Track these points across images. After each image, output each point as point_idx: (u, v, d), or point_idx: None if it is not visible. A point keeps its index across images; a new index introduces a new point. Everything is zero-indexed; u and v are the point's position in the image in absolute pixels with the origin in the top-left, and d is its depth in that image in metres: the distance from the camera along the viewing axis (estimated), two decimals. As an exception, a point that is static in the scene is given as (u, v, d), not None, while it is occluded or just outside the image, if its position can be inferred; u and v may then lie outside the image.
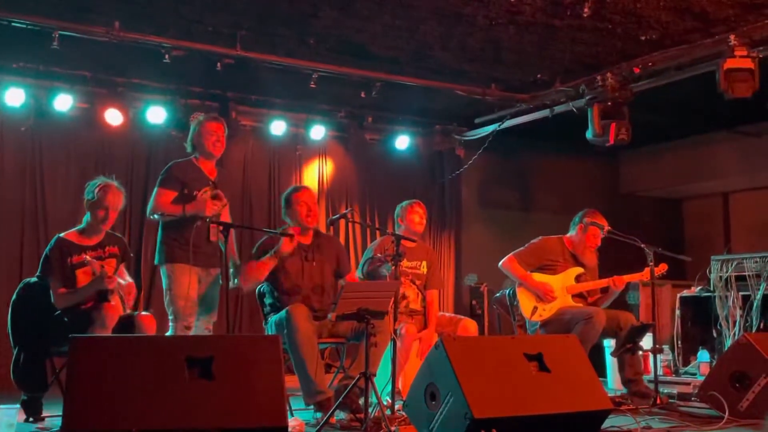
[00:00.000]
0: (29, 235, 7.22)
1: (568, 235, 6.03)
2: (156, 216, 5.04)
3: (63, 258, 4.65)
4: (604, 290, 5.90)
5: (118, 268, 4.88)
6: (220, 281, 5.19)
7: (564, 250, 5.95)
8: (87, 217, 4.84)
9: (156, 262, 5.15)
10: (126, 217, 7.32)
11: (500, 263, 5.91)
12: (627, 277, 5.78)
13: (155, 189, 5.11)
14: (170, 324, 4.97)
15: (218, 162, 5.36)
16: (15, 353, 4.70)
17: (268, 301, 5.21)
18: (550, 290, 5.77)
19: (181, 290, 4.96)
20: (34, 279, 4.84)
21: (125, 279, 4.92)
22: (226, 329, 4.95)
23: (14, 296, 4.82)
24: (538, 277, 5.84)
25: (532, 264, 5.88)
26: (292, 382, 4.53)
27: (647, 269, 5.65)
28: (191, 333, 4.96)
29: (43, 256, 4.78)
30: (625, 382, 5.64)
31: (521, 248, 5.97)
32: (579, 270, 5.88)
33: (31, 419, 4.55)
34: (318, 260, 5.20)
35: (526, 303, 5.81)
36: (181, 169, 5.14)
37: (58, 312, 4.62)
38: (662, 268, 5.71)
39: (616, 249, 6.10)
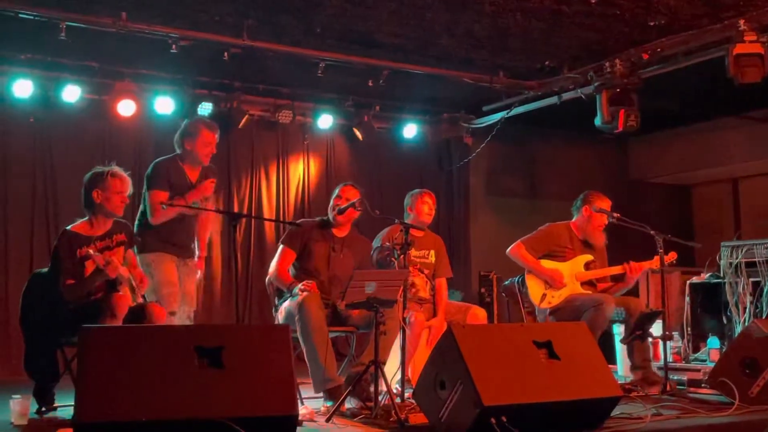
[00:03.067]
0: (39, 226, 7.27)
1: (573, 220, 6.01)
2: (158, 222, 5.07)
3: (71, 251, 4.64)
4: (616, 279, 5.87)
5: (127, 255, 4.88)
6: (198, 273, 5.33)
7: (572, 237, 5.93)
8: (93, 208, 4.80)
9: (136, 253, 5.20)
10: (134, 206, 7.33)
11: (508, 250, 5.90)
12: (642, 264, 5.73)
13: (148, 192, 5.13)
14: None
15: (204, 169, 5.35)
16: (26, 343, 4.73)
17: (291, 273, 5.28)
18: (560, 276, 5.76)
19: (164, 276, 5.03)
20: (44, 270, 4.85)
21: (136, 267, 4.93)
22: (235, 319, 4.98)
23: (25, 287, 4.83)
24: (547, 264, 5.82)
25: (539, 250, 5.86)
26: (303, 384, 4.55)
27: (657, 257, 5.63)
28: (176, 320, 5.02)
29: (53, 250, 4.78)
30: (634, 368, 5.64)
31: (529, 235, 5.95)
32: (588, 257, 5.87)
33: (43, 409, 4.57)
34: (345, 254, 5.32)
35: (535, 290, 5.80)
36: (167, 169, 5.19)
37: (67, 304, 4.63)
38: (672, 256, 5.68)
39: (625, 236, 6.08)
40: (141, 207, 5.22)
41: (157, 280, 5.02)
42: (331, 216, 5.36)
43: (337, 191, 5.43)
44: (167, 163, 5.23)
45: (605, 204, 5.90)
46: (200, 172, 5.31)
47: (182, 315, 5.16)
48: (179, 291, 5.09)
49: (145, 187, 5.18)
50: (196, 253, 5.38)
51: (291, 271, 5.28)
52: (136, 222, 5.23)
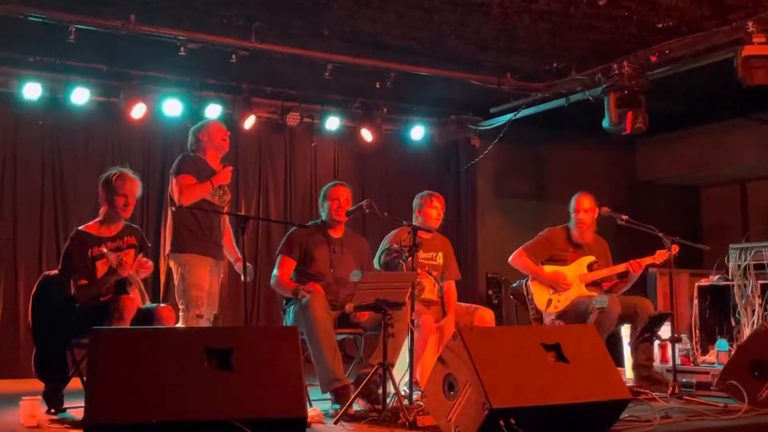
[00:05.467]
0: (48, 228, 7.30)
1: (569, 224, 6.02)
2: (186, 205, 5.04)
3: (83, 251, 4.67)
4: (622, 276, 5.87)
5: (137, 258, 4.89)
6: (221, 274, 5.32)
7: (570, 239, 5.93)
8: (105, 209, 4.84)
9: (167, 252, 5.18)
10: (144, 208, 7.38)
11: (509, 259, 5.90)
12: (643, 261, 5.74)
13: (176, 178, 5.10)
14: (180, 314, 4.99)
15: (222, 160, 5.39)
16: (36, 345, 4.74)
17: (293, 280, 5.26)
18: (563, 279, 5.75)
19: (196, 279, 5.02)
20: (54, 272, 4.87)
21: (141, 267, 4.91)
22: (244, 320, 4.99)
23: (35, 289, 4.85)
24: (549, 268, 5.82)
25: (540, 256, 5.87)
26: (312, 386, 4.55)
27: (659, 252, 5.64)
28: (202, 322, 5.02)
29: (64, 250, 4.80)
30: (637, 367, 5.63)
31: (528, 242, 5.96)
32: (590, 258, 5.87)
33: (52, 410, 4.59)
34: (345, 254, 5.29)
35: (540, 296, 5.80)
36: (193, 160, 5.23)
37: (78, 304, 4.65)
38: (673, 249, 5.66)
39: (632, 237, 6.07)
40: (172, 207, 5.18)
41: (189, 283, 5.01)
42: (327, 218, 5.31)
43: (329, 193, 5.33)
44: (192, 155, 5.29)
45: (585, 202, 5.89)
46: (218, 164, 5.34)
47: (204, 317, 5.17)
48: (207, 295, 5.08)
49: (172, 177, 5.18)
50: (227, 257, 5.40)
51: (294, 277, 5.23)
52: (171, 223, 5.18)
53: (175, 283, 5.14)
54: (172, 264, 5.16)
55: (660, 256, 5.64)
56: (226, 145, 5.35)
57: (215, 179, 5.13)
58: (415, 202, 5.92)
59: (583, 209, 5.88)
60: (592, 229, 5.93)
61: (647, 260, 5.74)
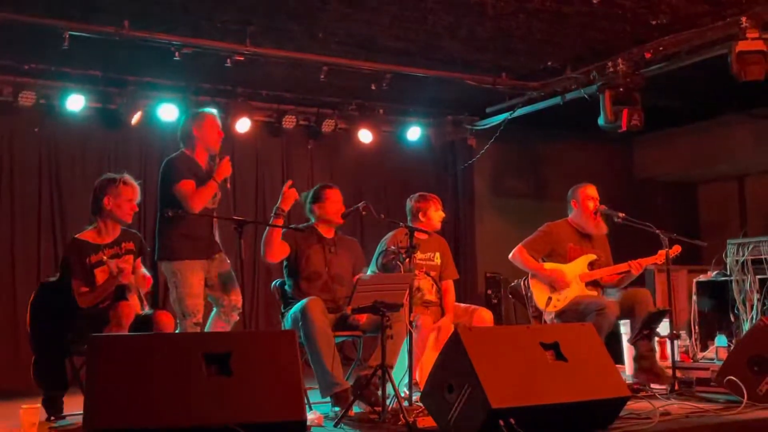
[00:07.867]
0: (45, 235, 7.28)
1: (569, 217, 6.01)
2: (199, 208, 4.94)
3: (82, 259, 4.67)
4: (620, 272, 5.87)
5: (135, 264, 4.89)
6: (227, 260, 5.20)
7: (573, 232, 5.93)
8: (102, 214, 4.81)
9: (156, 258, 5.09)
10: (141, 214, 7.36)
11: (510, 256, 5.90)
12: (644, 261, 5.74)
13: (175, 185, 4.95)
14: (177, 322, 4.93)
15: (212, 158, 5.22)
16: (35, 353, 4.74)
17: (288, 287, 5.27)
18: (562, 277, 5.74)
19: (189, 288, 4.93)
20: (52, 279, 4.87)
21: (140, 269, 4.90)
22: (243, 325, 4.98)
23: (33, 297, 4.85)
24: (549, 266, 5.82)
25: (541, 251, 5.86)
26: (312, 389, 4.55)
27: (661, 252, 5.63)
28: (199, 329, 4.98)
29: (62, 259, 4.79)
30: (639, 358, 5.60)
31: (528, 237, 5.95)
32: (591, 257, 5.86)
33: (52, 418, 4.59)
34: (340, 253, 5.31)
35: (539, 294, 5.79)
36: (183, 162, 5.08)
37: (76, 311, 4.65)
38: (675, 249, 5.67)
39: (630, 235, 6.08)
40: (158, 214, 5.09)
41: (182, 292, 4.92)
42: (320, 219, 5.32)
43: (325, 195, 5.33)
44: (181, 157, 5.13)
45: (591, 191, 5.93)
46: (206, 160, 5.19)
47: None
48: (203, 301, 5.00)
49: (167, 184, 5.01)
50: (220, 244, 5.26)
51: (290, 279, 5.24)
52: (158, 230, 5.10)
53: (170, 291, 5.10)
54: (164, 271, 5.07)
55: (661, 256, 5.63)
56: (218, 147, 5.15)
57: (217, 175, 4.99)
58: (414, 204, 5.87)
59: (593, 197, 5.90)
60: (601, 219, 5.94)
61: (649, 260, 5.74)
